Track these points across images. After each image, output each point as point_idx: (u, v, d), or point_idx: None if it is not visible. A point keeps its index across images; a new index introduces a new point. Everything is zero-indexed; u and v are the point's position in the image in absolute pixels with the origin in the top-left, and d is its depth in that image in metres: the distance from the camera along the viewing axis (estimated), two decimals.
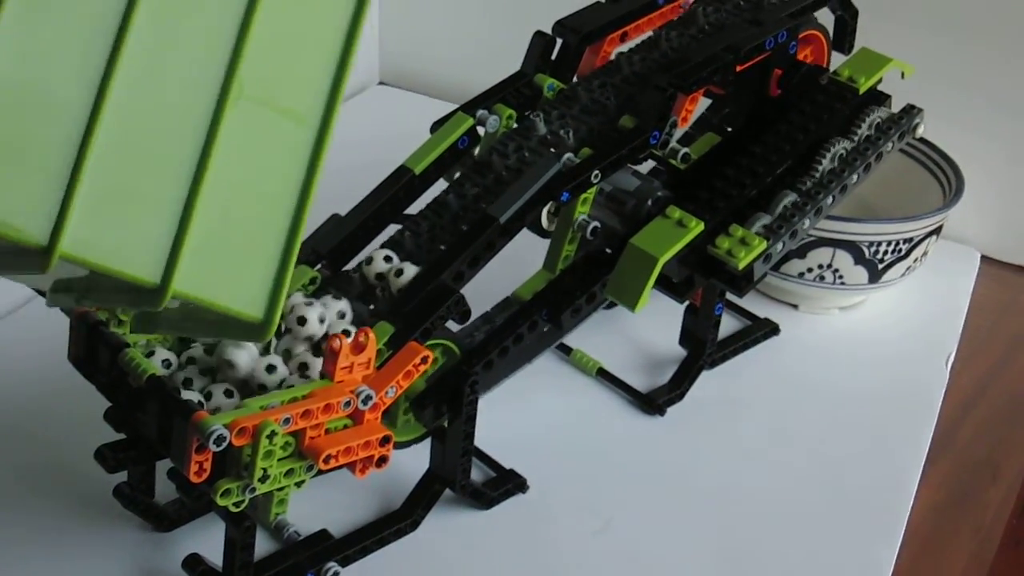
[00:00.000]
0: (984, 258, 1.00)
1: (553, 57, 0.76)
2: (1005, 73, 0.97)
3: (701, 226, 0.67)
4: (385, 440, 0.60)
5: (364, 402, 0.59)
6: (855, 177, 0.72)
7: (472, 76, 1.16)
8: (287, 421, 0.57)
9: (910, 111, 0.76)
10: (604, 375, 0.82)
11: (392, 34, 1.22)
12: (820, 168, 0.72)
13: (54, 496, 0.69)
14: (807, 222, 0.70)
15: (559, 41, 0.76)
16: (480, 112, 0.72)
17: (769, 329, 0.87)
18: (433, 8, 1.20)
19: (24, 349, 0.79)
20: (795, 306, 0.90)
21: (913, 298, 0.92)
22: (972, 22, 0.97)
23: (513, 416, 0.76)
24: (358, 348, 0.60)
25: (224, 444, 0.54)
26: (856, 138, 0.74)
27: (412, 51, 1.22)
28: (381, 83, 1.24)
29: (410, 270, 0.65)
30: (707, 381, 0.82)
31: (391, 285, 0.65)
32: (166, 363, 0.62)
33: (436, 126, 0.72)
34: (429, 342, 0.64)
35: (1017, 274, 1.02)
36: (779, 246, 0.69)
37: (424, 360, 0.62)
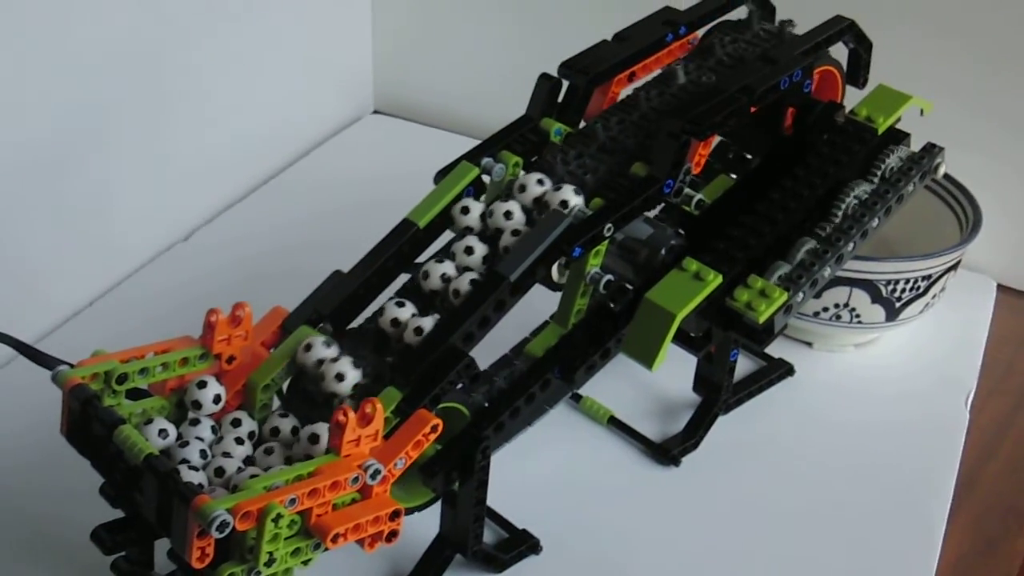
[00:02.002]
0: (1000, 287, 0.98)
1: (559, 99, 0.73)
2: (1019, 96, 0.95)
3: (719, 279, 0.65)
4: (395, 515, 0.57)
5: (372, 476, 0.57)
6: (876, 221, 0.70)
7: (468, 104, 1.15)
8: (293, 502, 0.54)
9: (931, 150, 0.73)
10: (616, 424, 0.79)
11: (386, 62, 1.20)
12: (839, 213, 0.69)
13: (50, 571, 0.66)
14: (828, 270, 0.68)
15: (564, 83, 0.73)
16: (485, 160, 0.69)
17: (784, 370, 0.85)
18: (428, 35, 1.18)
19: (7, 410, 0.77)
20: (809, 344, 0.88)
21: (929, 331, 0.90)
22: (984, 45, 0.95)
23: (522, 468, 0.73)
24: (365, 420, 0.57)
25: (228, 530, 0.52)
26: (876, 180, 0.71)
27: (407, 79, 1.19)
28: (376, 112, 1.22)
29: (427, 322, 0.63)
30: (722, 426, 0.79)
31: (406, 338, 0.63)
32: (163, 433, 0.60)
33: (440, 176, 0.70)
34: (438, 406, 0.61)
35: None
36: (800, 296, 0.67)
37: (434, 429, 0.59)
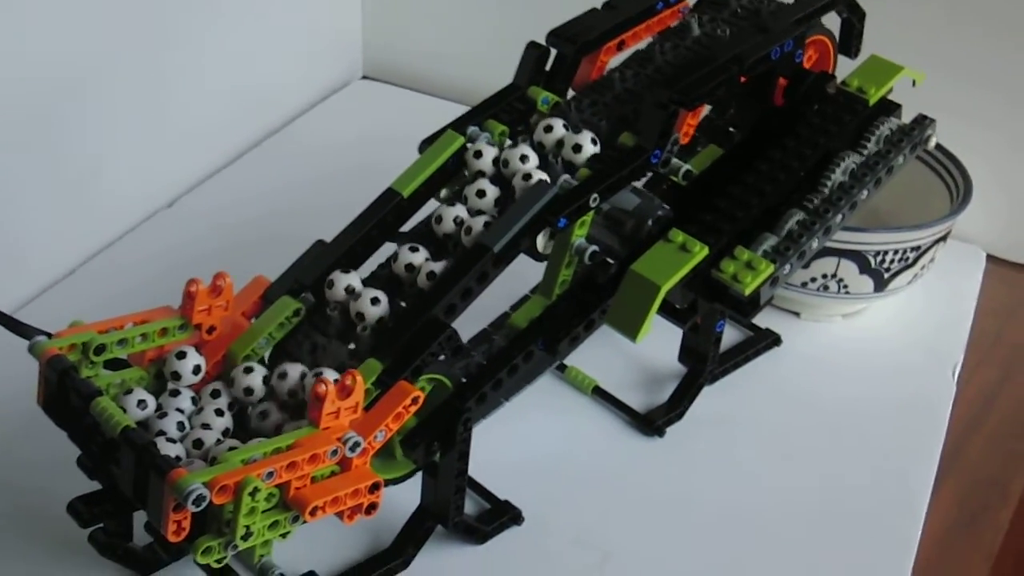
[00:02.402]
0: (990, 257, 0.97)
1: (547, 68, 0.72)
2: (1011, 65, 0.94)
3: (705, 251, 0.64)
4: (375, 487, 0.57)
5: (352, 449, 0.56)
6: (865, 193, 0.69)
7: (458, 69, 1.14)
8: (270, 475, 0.53)
9: (921, 122, 0.72)
10: (600, 394, 0.78)
11: (375, 27, 1.18)
12: (828, 184, 0.68)
13: (26, 543, 0.66)
14: (815, 242, 0.67)
15: (552, 52, 0.72)
16: (471, 129, 0.68)
17: (771, 340, 0.84)
18: (418, 1, 1.16)
19: None
20: (797, 314, 0.87)
21: (917, 301, 0.89)
22: (977, 16, 0.94)
23: (505, 438, 0.73)
24: (345, 392, 0.57)
25: (204, 504, 0.51)
26: (866, 151, 0.70)
27: (396, 44, 1.18)
28: (364, 77, 1.20)
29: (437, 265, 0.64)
30: (707, 396, 0.79)
31: (419, 282, 0.64)
32: (142, 404, 0.59)
33: (425, 144, 0.69)
34: (420, 377, 0.61)
35: None
36: (786, 268, 0.66)
37: (415, 401, 0.59)
